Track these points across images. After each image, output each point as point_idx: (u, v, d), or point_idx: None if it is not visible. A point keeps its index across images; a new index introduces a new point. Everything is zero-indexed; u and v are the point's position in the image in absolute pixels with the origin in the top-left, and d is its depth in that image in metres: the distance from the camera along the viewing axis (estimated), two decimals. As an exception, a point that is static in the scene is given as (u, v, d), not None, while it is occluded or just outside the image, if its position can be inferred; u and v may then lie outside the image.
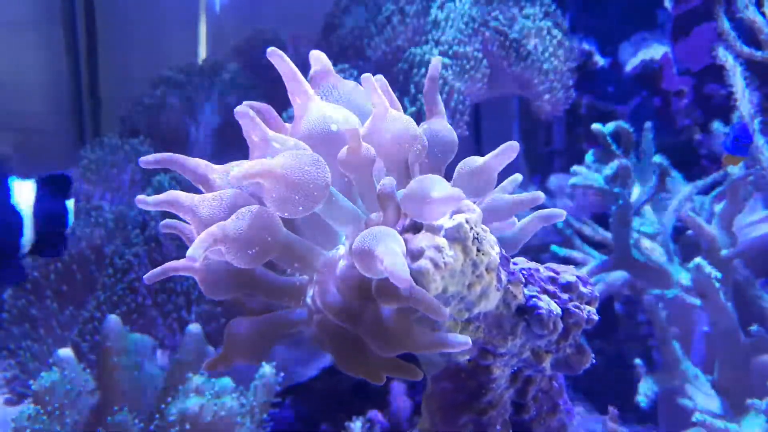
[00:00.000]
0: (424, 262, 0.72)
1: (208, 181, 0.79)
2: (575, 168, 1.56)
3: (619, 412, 1.98)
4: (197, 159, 0.80)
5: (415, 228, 0.76)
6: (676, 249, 1.60)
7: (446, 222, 0.75)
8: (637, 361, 1.44)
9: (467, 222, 0.75)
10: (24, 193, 1.10)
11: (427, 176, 0.73)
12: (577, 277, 0.84)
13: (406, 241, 0.74)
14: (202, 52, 2.60)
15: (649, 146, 1.71)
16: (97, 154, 1.88)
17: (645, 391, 1.36)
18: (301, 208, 0.70)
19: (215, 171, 0.79)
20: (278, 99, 0.79)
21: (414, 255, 0.73)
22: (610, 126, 1.57)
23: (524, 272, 0.82)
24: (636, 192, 1.55)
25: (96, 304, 1.48)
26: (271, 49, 0.78)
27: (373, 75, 0.78)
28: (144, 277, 0.75)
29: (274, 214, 0.71)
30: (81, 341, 1.48)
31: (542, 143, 2.56)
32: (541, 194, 0.81)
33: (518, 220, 0.87)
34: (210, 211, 0.73)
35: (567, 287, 0.82)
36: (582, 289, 0.83)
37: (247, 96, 2.12)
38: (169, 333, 1.53)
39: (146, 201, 0.74)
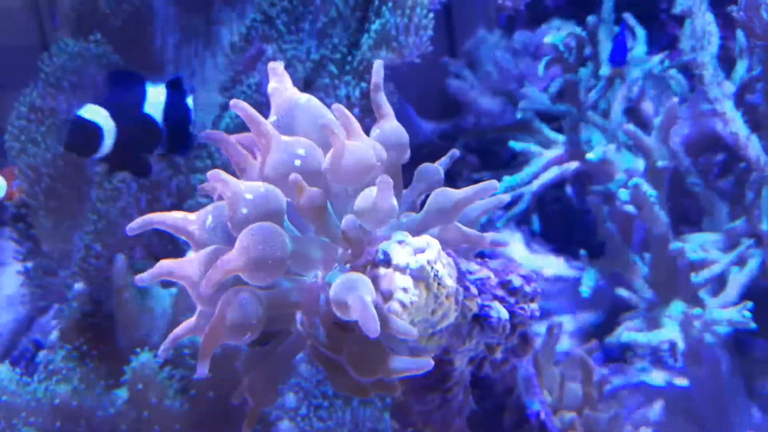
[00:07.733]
0: (394, 305, 0.86)
1: (188, 234, 0.89)
2: (524, 90, 1.62)
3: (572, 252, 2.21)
4: (174, 214, 0.88)
5: (386, 262, 0.90)
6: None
7: (411, 261, 0.88)
8: (582, 252, 1.64)
9: (428, 263, 0.88)
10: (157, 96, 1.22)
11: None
12: (522, 277, 0.99)
13: (376, 278, 0.88)
14: None
15: (610, 15, 1.77)
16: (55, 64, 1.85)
17: (588, 282, 1.57)
18: (269, 280, 0.82)
19: (192, 222, 0.88)
20: None
21: (385, 296, 0.87)
22: (562, 34, 1.61)
23: (477, 282, 0.97)
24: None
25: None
26: (233, 102, 0.86)
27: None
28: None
29: (250, 297, 0.82)
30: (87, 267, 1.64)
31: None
32: (486, 240, 0.92)
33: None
34: (198, 277, 0.83)
35: (514, 292, 0.98)
36: (526, 288, 0.99)
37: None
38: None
39: (143, 278, 0.83)
